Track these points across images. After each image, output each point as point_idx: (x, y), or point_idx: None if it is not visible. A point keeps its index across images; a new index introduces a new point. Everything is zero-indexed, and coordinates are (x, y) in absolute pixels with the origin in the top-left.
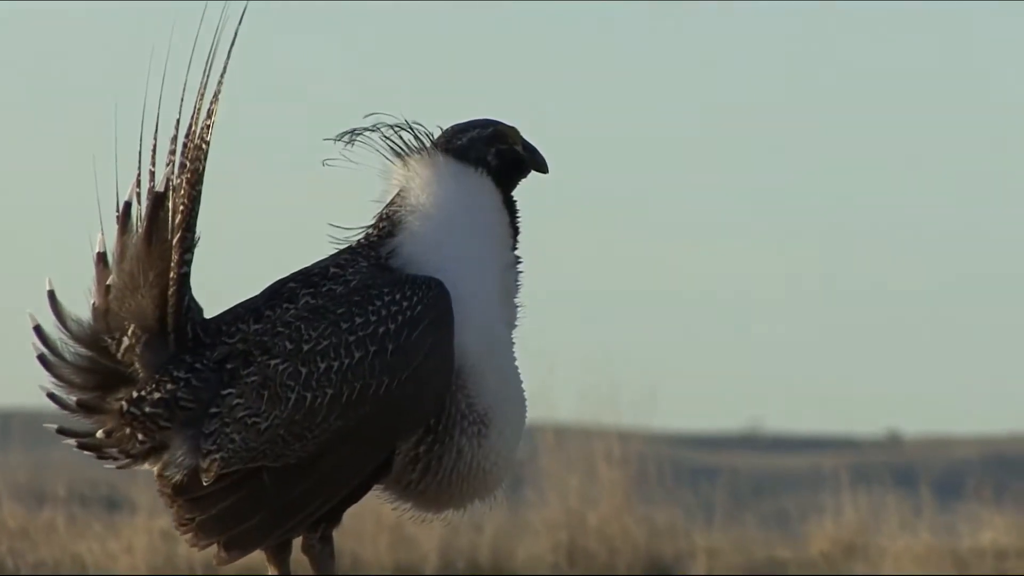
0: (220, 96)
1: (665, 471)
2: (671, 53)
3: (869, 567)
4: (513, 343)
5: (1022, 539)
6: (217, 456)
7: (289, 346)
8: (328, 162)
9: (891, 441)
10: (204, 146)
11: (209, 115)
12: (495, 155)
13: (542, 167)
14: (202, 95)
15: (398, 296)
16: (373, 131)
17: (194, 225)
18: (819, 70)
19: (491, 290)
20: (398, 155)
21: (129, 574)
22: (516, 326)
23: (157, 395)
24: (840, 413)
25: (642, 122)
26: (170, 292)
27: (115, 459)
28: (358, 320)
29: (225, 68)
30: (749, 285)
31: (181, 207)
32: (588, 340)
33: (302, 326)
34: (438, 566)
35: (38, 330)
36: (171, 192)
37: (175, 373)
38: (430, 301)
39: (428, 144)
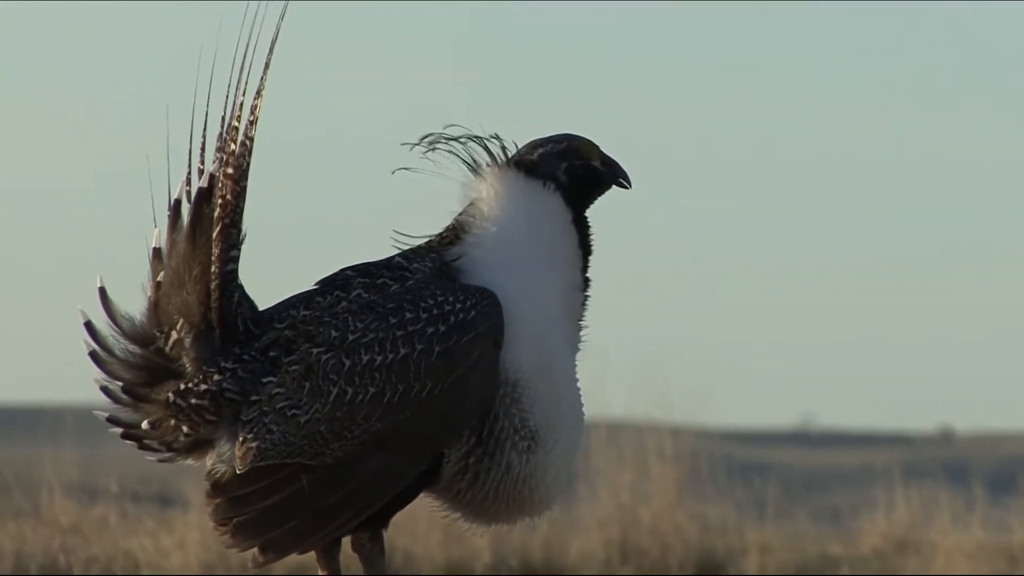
0: (262, 92)
1: (717, 467)
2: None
3: (921, 563)
4: (575, 364)
5: None
6: (253, 445)
7: (334, 334)
8: (403, 169)
9: (943, 437)
10: (248, 143)
11: (252, 111)
12: (566, 171)
13: (623, 182)
14: (244, 91)
15: (451, 299)
16: (452, 141)
17: (239, 221)
18: None
19: (553, 309)
20: (473, 166)
21: (181, 571)
22: (579, 348)
23: (203, 387)
24: (892, 409)
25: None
26: (212, 287)
27: (156, 451)
28: (408, 316)
29: (268, 64)
30: (806, 283)
31: (224, 203)
32: (641, 336)
33: (349, 317)
34: (490, 564)
35: (89, 326)
36: (215, 189)
37: (222, 364)
38: (484, 310)
39: (502, 158)
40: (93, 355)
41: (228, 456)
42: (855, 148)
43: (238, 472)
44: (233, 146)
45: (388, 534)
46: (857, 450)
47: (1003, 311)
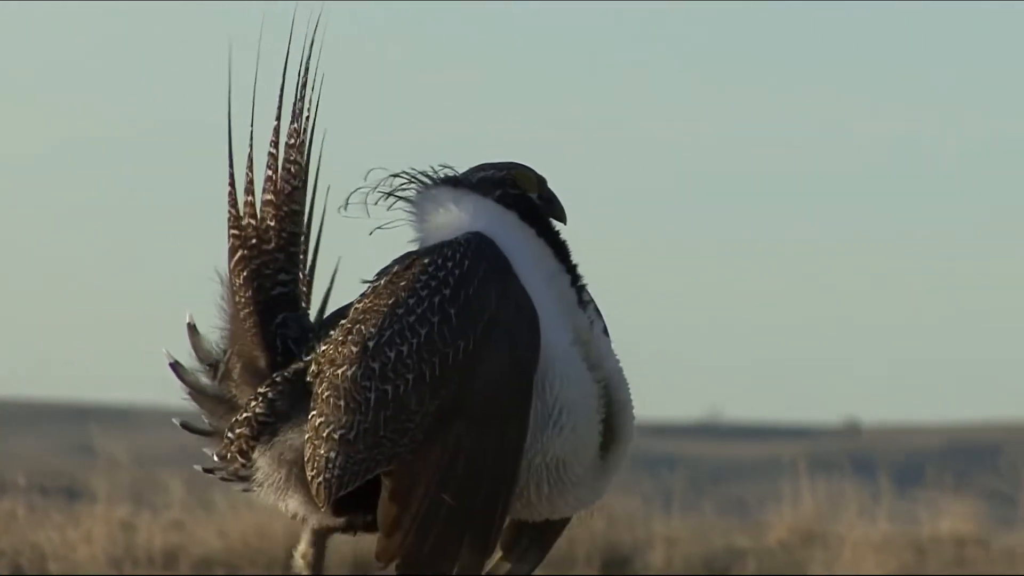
0: (303, 114)
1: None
2: None
3: (827, 556)
4: (583, 344)
5: (981, 527)
6: (320, 480)
7: (354, 350)
8: (348, 213)
9: (850, 429)
10: (291, 167)
11: (296, 134)
12: (498, 197)
13: (558, 218)
14: (278, 116)
15: (440, 261)
16: (394, 181)
17: (288, 245)
18: None
19: (537, 293)
20: (415, 196)
21: (88, 564)
22: (591, 328)
23: (245, 415)
24: (798, 401)
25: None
26: (247, 312)
27: (235, 483)
28: (411, 301)
29: (303, 84)
30: (711, 274)
31: (264, 229)
32: None
33: (361, 328)
34: None
35: (175, 367)
36: (252, 216)
37: (259, 390)
38: (475, 251)
39: (443, 177)
40: (189, 394)
41: (266, 480)
42: (753, 132)
43: (321, 509)
44: (270, 171)
45: (293, 527)
46: (763, 442)
47: (907, 303)
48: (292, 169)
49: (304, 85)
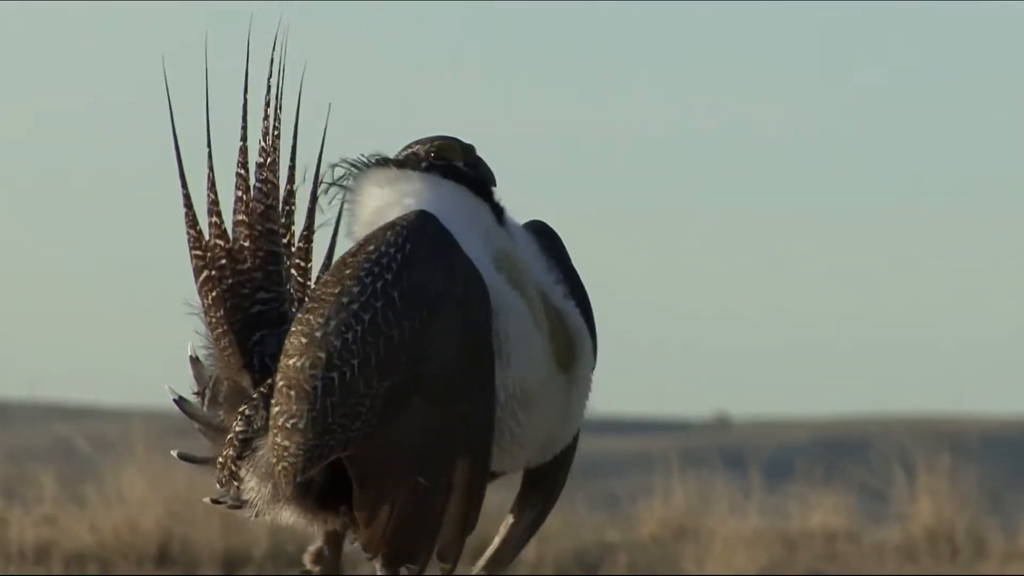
0: (272, 133)
1: None
2: None
3: (699, 550)
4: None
5: (851, 521)
6: (278, 467)
7: (303, 340)
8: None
9: (720, 423)
10: (263, 186)
11: (267, 152)
12: (425, 168)
13: (485, 182)
14: (244, 137)
15: (382, 246)
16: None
17: (266, 264)
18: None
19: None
20: (350, 183)
21: None
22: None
23: (229, 436)
24: (669, 396)
25: None
26: (222, 331)
27: (238, 509)
28: (356, 289)
29: (268, 103)
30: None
31: (237, 249)
32: None
33: (309, 317)
34: (268, 551)
35: (179, 402)
36: (222, 241)
37: (239, 409)
38: (416, 231)
39: (375, 160)
40: (197, 428)
41: (250, 495)
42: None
43: (282, 496)
44: (240, 192)
45: (164, 522)
46: (634, 437)
47: (777, 296)
48: (264, 188)
49: (269, 104)
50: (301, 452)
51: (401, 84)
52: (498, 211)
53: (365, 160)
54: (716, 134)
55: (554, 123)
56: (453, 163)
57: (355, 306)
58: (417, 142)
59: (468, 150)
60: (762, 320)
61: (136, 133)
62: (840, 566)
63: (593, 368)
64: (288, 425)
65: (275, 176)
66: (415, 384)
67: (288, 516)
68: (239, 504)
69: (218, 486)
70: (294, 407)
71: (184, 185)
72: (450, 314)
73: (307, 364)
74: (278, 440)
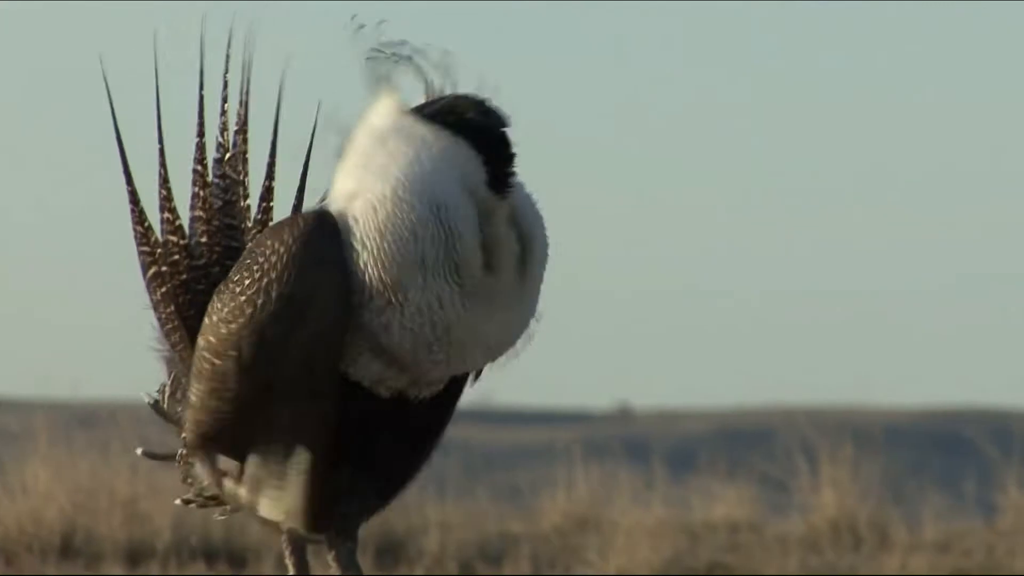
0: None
1: None
2: None
3: (602, 541)
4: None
5: (754, 512)
6: (182, 436)
7: (206, 322)
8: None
9: (622, 414)
10: (221, 181)
11: (224, 148)
12: (443, 124)
13: (496, 126)
14: (201, 147)
15: (276, 244)
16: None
17: (223, 260)
18: None
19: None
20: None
21: None
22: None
23: (183, 432)
24: (571, 386)
25: None
26: (168, 329)
27: (210, 508)
28: (247, 280)
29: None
30: None
31: (190, 246)
32: None
33: (215, 299)
34: (171, 543)
35: (154, 407)
36: (174, 237)
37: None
38: (304, 236)
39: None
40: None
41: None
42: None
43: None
44: (197, 188)
45: (68, 513)
46: (537, 427)
47: (679, 286)
48: (223, 183)
49: (226, 100)
50: (192, 425)
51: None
52: (501, 174)
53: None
54: (617, 119)
55: None
56: (464, 116)
57: (242, 299)
58: (439, 98)
59: (481, 104)
60: (664, 310)
61: (82, 129)
62: (743, 557)
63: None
64: (188, 397)
65: (234, 171)
66: (274, 383)
67: (241, 502)
68: (208, 502)
69: (183, 482)
70: (191, 384)
71: (130, 182)
72: (312, 319)
73: (201, 344)
74: (180, 410)
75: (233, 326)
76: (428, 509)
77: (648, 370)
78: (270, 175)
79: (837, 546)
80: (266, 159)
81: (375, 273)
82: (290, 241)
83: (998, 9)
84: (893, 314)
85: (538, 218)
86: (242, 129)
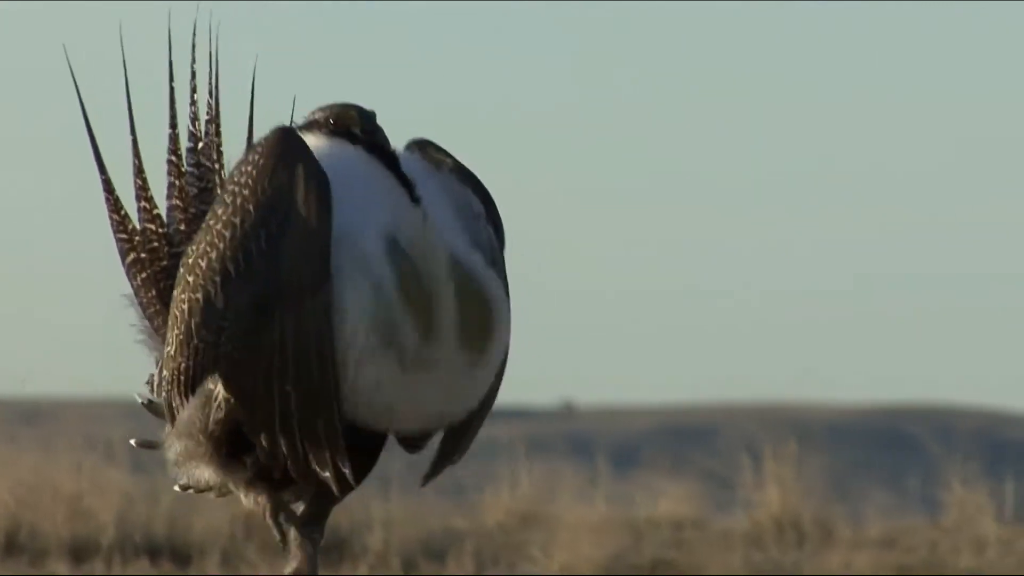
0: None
1: None
2: None
3: (545, 538)
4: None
5: (698, 509)
6: (165, 400)
7: (181, 271)
8: None
9: (565, 411)
10: (197, 172)
11: (196, 149)
12: (326, 134)
13: (387, 148)
14: (174, 137)
15: (242, 166)
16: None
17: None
18: None
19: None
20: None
21: None
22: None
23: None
24: (514, 383)
25: None
26: (150, 313)
27: (203, 492)
28: (220, 210)
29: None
30: None
31: (172, 237)
32: None
33: (188, 248)
34: (115, 539)
35: (147, 407)
36: (152, 225)
37: None
38: (270, 144)
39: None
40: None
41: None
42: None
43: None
44: (172, 178)
45: (12, 509)
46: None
47: (620, 285)
48: (197, 172)
49: (195, 90)
50: (176, 378)
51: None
52: (405, 179)
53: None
54: (550, 115)
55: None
56: (351, 129)
57: (218, 226)
58: (319, 109)
59: (367, 117)
60: (607, 308)
61: (52, 121)
62: (687, 554)
63: (506, 344)
64: (166, 355)
65: (208, 160)
66: (274, 291)
67: (208, 475)
68: (206, 488)
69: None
70: (168, 335)
71: (103, 171)
72: (296, 218)
73: (178, 291)
74: (163, 373)
75: (214, 254)
76: (372, 506)
77: (592, 367)
78: (220, 160)
79: (781, 543)
80: (243, 149)
81: None
82: (257, 154)
83: (998, 9)
84: (836, 312)
85: (491, 275)
86: (214, 119)
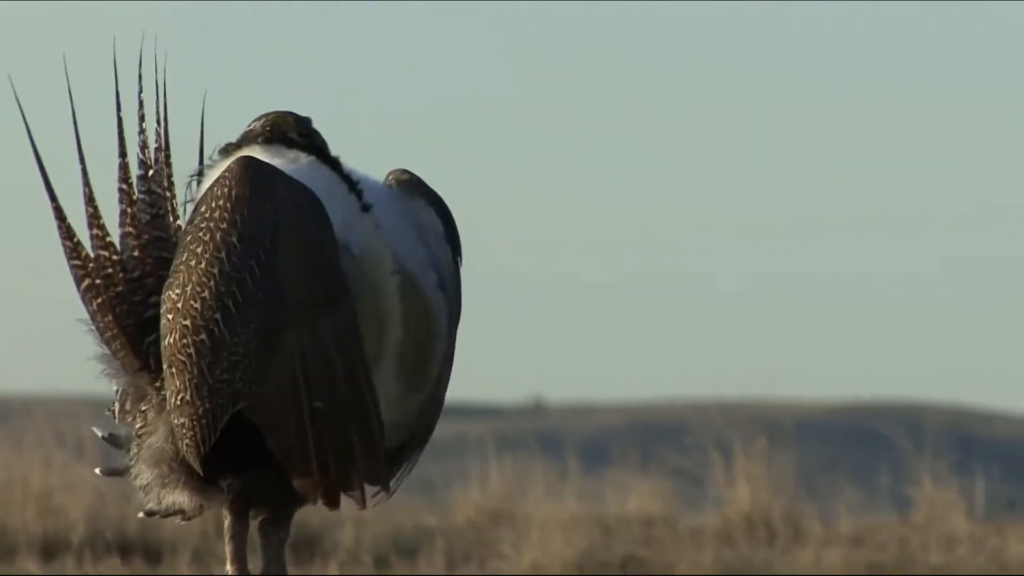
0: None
1: None
2: None
3: (516, 535)
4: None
5: (668, 506)
6: (184, 446)
7: (169, 317)
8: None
9: (535, 408)
10: (148, 196)
11: (146, 176)
12: (262, 142)
13: (319, 150)
14: (124, 166)
15: (212, 202)
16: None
17: (156, 270)
18: None
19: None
20: (201, 179)
21: None
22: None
23: (135, 440)
24: (484, 380)
25: None
26: (108, 337)
27: (170, 516)
28: (199, 249)
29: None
30: None
31: (126, 263)
32: None
33: (170, 293)
34: (86, 536)
35: (108, 440)
36: (106, 252)
37: (140, 408)
38: (237, 174)
39: (219, 150)
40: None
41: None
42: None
43: (198, 472)
44: (124, 206)
45: None
46: (450, 421)
47: (590, 280)
48: (149, 199)
49: (143, 119)
50: (197, 422)
51: (273, 80)
52: (352, 183)
53: (209, 158)
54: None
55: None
56: (288, 135)
57: (203, 265)
58: (254, 120)
59: (303, 122)
60: (577, 304)
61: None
62: (657, 551)
63: (446, 375)
64: (178, 401)
65: (159, 187)
66: (279, 315)
67: (181, 499)
68: (173, 512)
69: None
70: (178, 382)
71: (53, 199)
72: (289, 239)
73: (176, 337)
74: (175, 421)
75: (206, 293)
76: (343, 503)
77: (561, 364)
78: (170, 187)
79: (751, 540)
80: (193, 176)
81: None
82: (226, 187)
83: (998, 9)
84: (805, 308)
85: (439, 296)
86: (162, 147)
